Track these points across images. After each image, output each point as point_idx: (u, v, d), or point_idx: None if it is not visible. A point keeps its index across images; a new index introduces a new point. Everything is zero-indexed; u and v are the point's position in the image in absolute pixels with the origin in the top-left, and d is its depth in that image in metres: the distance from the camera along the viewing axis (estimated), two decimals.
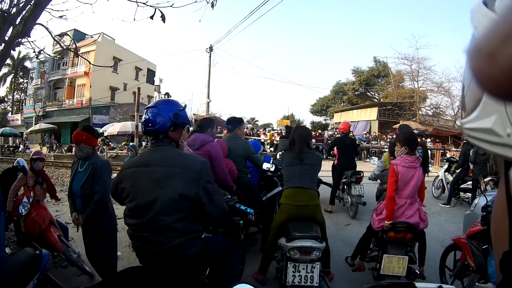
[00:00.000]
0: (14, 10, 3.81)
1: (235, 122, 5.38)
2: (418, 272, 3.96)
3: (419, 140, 4.53)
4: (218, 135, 6.71)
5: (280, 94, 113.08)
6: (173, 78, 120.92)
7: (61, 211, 7.86)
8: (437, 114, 36.56)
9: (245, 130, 22.84)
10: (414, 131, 7.37)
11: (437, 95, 35.46)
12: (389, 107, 34.37)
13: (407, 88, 36.24)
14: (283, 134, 12.78)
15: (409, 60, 35.48)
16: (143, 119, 2.50)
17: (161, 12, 4.32)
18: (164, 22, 4.43)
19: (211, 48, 26.17)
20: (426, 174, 4.13)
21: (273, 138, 23.76)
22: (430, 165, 5.15)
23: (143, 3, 4.36)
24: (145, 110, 2.50)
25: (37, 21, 3.75)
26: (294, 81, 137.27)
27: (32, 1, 3.71)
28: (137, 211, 2.31)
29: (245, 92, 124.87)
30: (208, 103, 26.76)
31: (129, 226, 2.42)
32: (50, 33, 4.48)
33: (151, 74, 46.90)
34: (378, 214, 4.12)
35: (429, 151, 19.47)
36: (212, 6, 4.78)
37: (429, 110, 37.29)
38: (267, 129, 33.11)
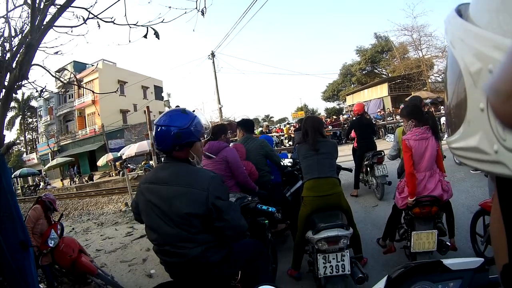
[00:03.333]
0: (8, 55, 3.88)
1: (246, 124, 5.45)
2: (450, 244, 3.90)
3: (432, 108, 4.47)
4: (233, 138, 6.73)
5: (290, 87, 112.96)
6: (181, 90, 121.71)
7: (90, 239, 7.98)
8: None
9: (260, 128, 23.00)
10: (427, 100, 7.30)
11: (443, 60, 34.89)
12: (398, 80, 33.92)
13: (412, 59, 35.70)
14: (298, 126, 12.77)
15: (409, 30, 35.11)
16: (154, 136, 2.49)
17: (154, 29, 4.34)
18: (158, 39, 4.45)
19: (213, 54, 26.18)
20: (441, 142, 4.07)
21: (290, 132, 23.69)
22: (444, 132, 5.08)
23: (134, 25, 4.39)
24: (154, 126, 2.49)
25: (33, 62, 3.79)
26: (301, 71, 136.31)
27: (24, 45, 3.77)
28: (153, 227, 2.40)
29: (255, 91, 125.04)
30: (220, 108, 26.74)
31: (152, 242, 2.50)
32: (48, 71, 4.54)
33: (158, 90, 47.19)
34: (400, 192, 4.08)
35: (444, 117, 19.27)
36: (203, 14, 4.78)
37: (438, 76, 36.80)
38: (281, 124, 33.01)
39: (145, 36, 4.35)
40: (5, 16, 4.10)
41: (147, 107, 12.87)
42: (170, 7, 4.59)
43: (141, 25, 4.38)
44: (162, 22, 4.47)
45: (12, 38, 4.05)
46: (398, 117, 22.50)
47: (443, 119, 17.84)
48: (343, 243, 3.49)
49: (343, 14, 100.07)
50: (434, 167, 3.95)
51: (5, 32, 4.13)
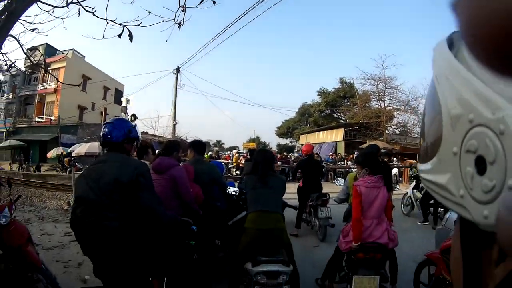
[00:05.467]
0: None
1: (199, 146, 5.40)
2: None
3: (385, 159, 4.60)
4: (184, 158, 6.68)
5: (246, 116, 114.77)
6: (140, 98, 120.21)
7: (30, 231, 7.67)
8: (404, 133, 37.31)
9: (210, 153, 22.96)
10: (382, 150, 7.49)
11: (404, 114, 36.25)
12: (355, 127, 34.95)
13: (373, 108, 37.04)
14: (248, 157, 12.81)
15: (375, 80, 36.30)
16: (101, 133, 3.07)
17: (129, 30, 4.33)
18: (131, 41, 4.46)
19: (178, 70, 26.14)
20: (392, 193, 4.17)
21: (239, 161, 23.75)
22: (398, 183, 5.23)
23: (112, 21, 4.37)
24: (103, 125, 3.13)
25: (10, 33, 3.70)
26: (260, 103, 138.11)
27: (6, 12, 3.66)
28: (81, 197, 2.95)
29: (212, 114, 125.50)
30: (174, 125, 26.64)
31: (75, 219, 2.92)
32: (21, 46, 4.45)
33: (119, 94, 45.99)
34: (345, 236, 4.11)
35: (397, 169, 19.84)
36: (179, 26, 4.80)
37: (396, 128, 38.06)
38: (231, 152, 33.18)
39: (119, 36, 4.34)
40: None
41: (105, 108, 12.68)
42: (149, 12, 4.63)
43: (119, 24, 4.41)
44: (139, 25, 4.47)
45: None
46: (349, 162, 23.09)
47: (395, 170, 18.49)
48: (283, 279, 3.48)
49: (312, 53, 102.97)
50: (382, 216, 4.02)
51: None
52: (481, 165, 0.45)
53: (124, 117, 13.37)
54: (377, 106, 37.16)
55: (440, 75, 0.59)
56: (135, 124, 3.22)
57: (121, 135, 2.99)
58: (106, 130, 3.01)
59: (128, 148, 3.08)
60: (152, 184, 3.04)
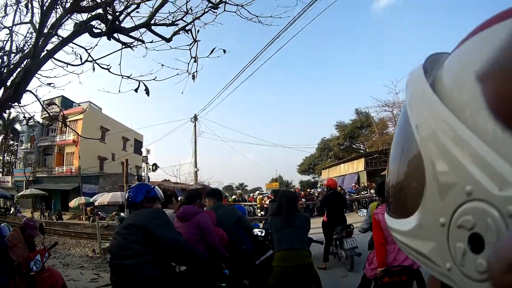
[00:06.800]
0: (5, 70, 3.96)
1: (216, 193, 5.55)
2: None
3: None
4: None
5: (267, 157, 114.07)
6: (160, 148, 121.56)
7: None
8: None
9: (234, 196, 22.94)
10: None
11: None
12: (375, 155, 34.61)
13: (391, 134, 36.64)
14: (272, 198, 12.83)
15: (390, 106, 36.41)
16: (126, 197, 3.70)
17: (145, 85, 4.43)
18: (148, 96, 4.54)
19: (195, 118, 26.42)
20: None
21: (263, 202, 23.65)
22: None
23: (127, 77, 4.49)
24: (128, 191, 3.77)
25: (27, 88, 3.87)
26: (280, 144, 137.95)
27: (23, 65, 3.86)
28: (110, 247, 3.57)
29: (233, 158, 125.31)
30: (196, 172, 26.67)
31: (109, 267, 3.35)
32: (38, 100, 4.62)
33: (138, 144, 46.62)
34: (370, 263, 4.16)
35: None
36: (193, 78, 4.92)
37: None
38: (254, 194, 33.07)
39: (135, 90, 4.45)
40: (10, 28, 4.22)
41: (126, 159, 12.89)
42: (162, 65, 4.71)
43: (134, 78, 4.49)
44: (154, 79, 4.59)
45: (13, 55, 4.14)
46: (372, 191, 22.79)
47: None
48: None
49: (327, 88, 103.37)
50: None
51: (6, 45, 4.23)
52: (476, 243, 0.40)
53: (145, 166, 13.61)
54: (394, 131, 36.86)
55: (412, 103, 0.54)
56: (154, 187, 3.79)
57: (140, 196, 3.52)
58: (129, 194, 3.60)
59: (148, 206, 3.52)
60: (170, 223, 3.48)
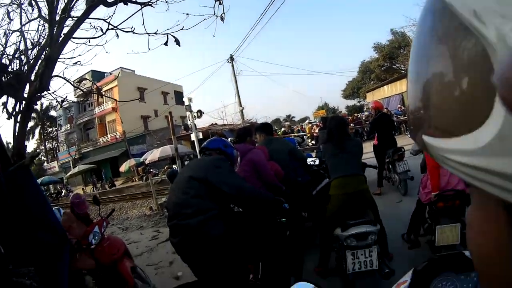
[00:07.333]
0: (26, 67, 3.98)
1: (265, 128, 5.49)
2: None
3: None
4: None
5: (310, 86, 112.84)
6: (201, 94, 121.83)
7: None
8: None
9: (283, 129, 22.98)
10: None
11: None
12: None
13: None
14: (322, 125, 12.66)
15: None
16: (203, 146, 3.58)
17: (174, 37, 4.35)
18: (179, 46, 4.43)
19: (232, 58, 26.05)
20: None
21: (312, 130, 23.51)
22: None
23: (154, 33, 4.42)
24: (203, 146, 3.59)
25: (53, 74, 3.86)
26: (320, 71, 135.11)
27: (42, 56, 3.86)
28: (168, 204, 3.25)
29: (276, 91, 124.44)
30: (241, 110, 26.59)
31: (167, 224, 3.13)
32: (68, 81, 4.65)
33: (179, 95, 47.06)
34: (424, 187, 4.10)
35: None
36: (222, 19, 4.80)
37: None
38: (303, 124, 32.87)
39: (165, 44, 4.38)
40: (20, 30, 4.22)
41: (170, 112, 12.94)
42: (187, 14, 4.64)
43: (161, 33, 4.40)
44: (181, 29, 4.50)
45: (29, 51, 4.14)
46: None
47: None
48: (371, 239, 3.52)
49: (359, 9, 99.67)
50: None
51: (20, 45, 4.23)
52: None
53: (190, 115, 13.54)
54: None
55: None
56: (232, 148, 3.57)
57: (216, 145, 3.40)
58: (206, 142, 3.54)
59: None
60: (233, 170, 3.28)
